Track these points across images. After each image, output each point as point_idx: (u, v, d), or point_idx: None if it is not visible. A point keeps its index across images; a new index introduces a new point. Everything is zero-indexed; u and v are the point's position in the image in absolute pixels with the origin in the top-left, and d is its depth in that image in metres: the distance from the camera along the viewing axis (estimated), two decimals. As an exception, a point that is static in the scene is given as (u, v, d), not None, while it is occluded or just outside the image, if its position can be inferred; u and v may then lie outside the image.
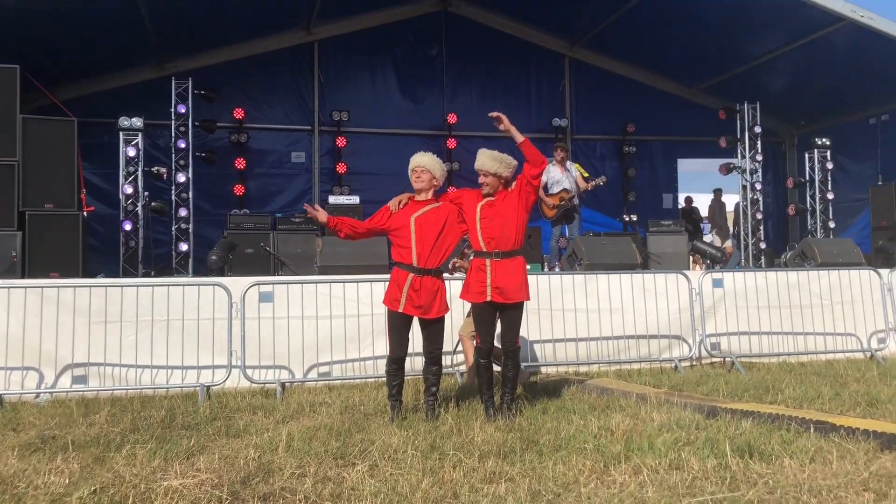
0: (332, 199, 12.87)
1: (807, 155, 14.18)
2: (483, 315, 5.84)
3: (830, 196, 13.70)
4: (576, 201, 11.62)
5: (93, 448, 4.98)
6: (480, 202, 5.83)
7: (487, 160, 5.82)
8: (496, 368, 6.07)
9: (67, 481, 4.21)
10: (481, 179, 5.82)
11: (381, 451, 4.63)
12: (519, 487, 3.91)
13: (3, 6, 9.42)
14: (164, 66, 13.56)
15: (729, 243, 15.54)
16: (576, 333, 8.82)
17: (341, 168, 14.42)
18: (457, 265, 7.77)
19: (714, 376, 8.08)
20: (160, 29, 12.29)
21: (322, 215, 5.99)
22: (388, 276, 6.11)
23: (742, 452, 4.38)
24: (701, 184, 17.23)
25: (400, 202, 5.95)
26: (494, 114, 5.87)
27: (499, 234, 5.73)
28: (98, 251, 11.95)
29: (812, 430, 4.88)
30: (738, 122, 13.73)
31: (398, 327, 5.81)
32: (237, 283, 7.86)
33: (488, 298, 5.72)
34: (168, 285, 7.94)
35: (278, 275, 10.23)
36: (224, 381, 7.55)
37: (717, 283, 9.34)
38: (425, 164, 5.95)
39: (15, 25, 10.14)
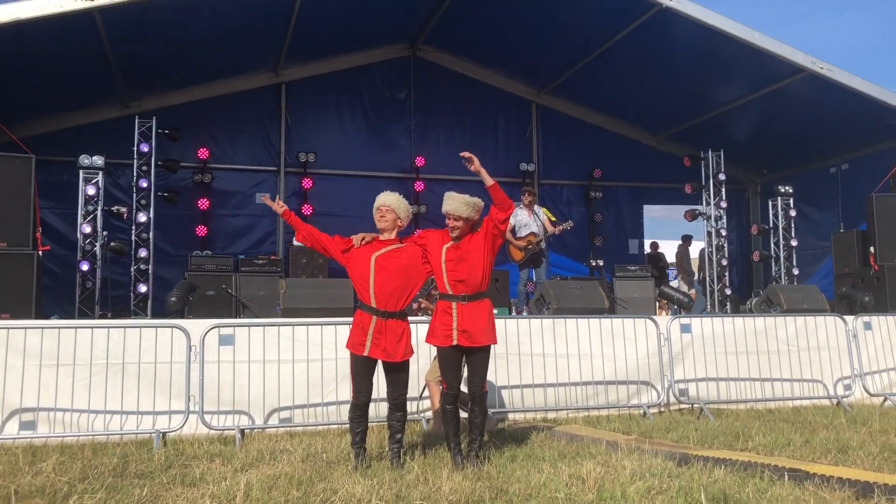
0: (296, 241, 12.62)
1: (770, 202, 14.37)
2: (449, 359, 5.69)
3: (794, 243, 13.87)
4: (543, 245, 11.59)
5: (38, 499, 4.70)
6: (446, 244, 5.72)
7: (460, 205, 5.70)
8: (463, 415, 5.90)
9: (7, 535, 3.95)
10: (451, 223, 5.71)
11: (344, 501, 4.42)
12: (489, 540, 3.73)
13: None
14: (129, 105, 13.39)
15: (693, 290, 15.62)
16: (544, 379, 8.68)
17: (307, 210, 14.26)
18: (422, 306, 7.62)
19: (683, 423, 7.99)
20: (125, 68, 12.15)
21: (279, 207, 5.95)
22: (352, 318, 5.95)
23: (717, 501, 4.26)
24: (667, 230, 17.39)
25: (363, 239, 5.82)
26: (466, 154, 5.79)
27: (465, 276, 5.62)
28: (53, 292, 11.60)
29: (786, 478, 4.78)
30: (702, 169, 13.89)
31: (362, 372, 5.63)
32: (197, 326, 7.61)
33: (454, 342, 5.59)
34: (125, 327, 7.67)
35: (240, 317, 10.00)
36: (181, 427, 7.26)
37: (685, 329, 9.30)
38: (390, 204, 5.84)
39: (-25, 61, 9.95)
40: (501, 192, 5.72)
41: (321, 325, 8.05)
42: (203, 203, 13.72)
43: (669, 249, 17.16)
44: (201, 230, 13.64)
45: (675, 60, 13.40)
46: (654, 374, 9.01)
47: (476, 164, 5.75)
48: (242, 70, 14.05)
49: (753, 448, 6.33)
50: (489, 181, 5.72)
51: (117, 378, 7.45)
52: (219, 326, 7.70)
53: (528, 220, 11.47)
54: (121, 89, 12.96)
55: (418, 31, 14.65)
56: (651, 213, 17.06)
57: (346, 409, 6.59)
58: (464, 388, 5.89)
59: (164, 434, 7.18)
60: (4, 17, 9.13)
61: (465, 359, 5.72)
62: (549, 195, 15.97)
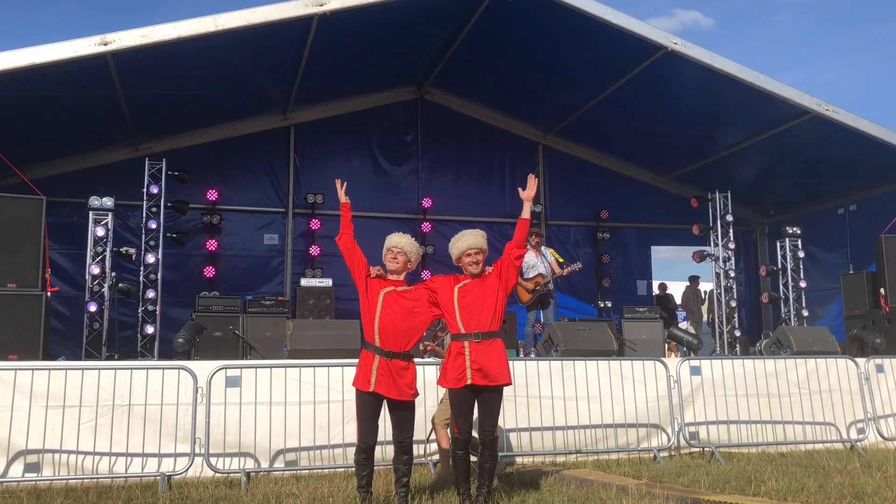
0: (304, 282, 12.70)
1: (778, 243, 14.33)
2: (461, 402, 5.64)
3: (803, 284, 13.78)
4: (551, 286, 11.57)
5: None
6: (458, 285, 5.72)
7: (479, 238, 5.86)
8: (472, 459, 5.83)
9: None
10: (473, 258, 5.75)
11: (350, 548, 4.35)
12: (498, 588, 3.65)
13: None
14: (138, 147, 13.53)
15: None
16: (552, 421, 8.59)
17: (314, 251, 14.30)
18: (429, 348, 7.56)
19: (694, 466, 7.87)
20: (136, 111, 12.30)
21: (343, 197, 6.06)
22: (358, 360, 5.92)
23: (731, 549, 4.18)
24: (675, 271, 17.37)
25: (377, 271, 5.83)
26: (532, 178, 5.97)
27: (478, 314, 5.61)
28: (61, 333, 11.63)
29: (801, 524, 4.69)
30: (710, 210, 13.90)
31: (368, 412, 5.58)
32: (203, 367, 7.58)
33: (469, 382, 5.53)
34: (131, 368, 7.65)
35: (247, 359, 9.96)
36: (186, 469, 7.19)
37: (695, 371, 9.22)
38: (402, 246, 5.85)
39: (-12, 104, 10.09)
40: (526, 230, 5.85)
41: (328, 366, 8.00)
42: (211, 244, 13.78)
43: (678, 291, 17.11)
44: (209, 271, 13.68)
45: (681, 102, 13.50)
46: (664, 416, 8.91)
47: (531, 193, 5.89)
48: (252, 113, 14.21)
49: (766, 493, 6.22)
50: (527, 214, 5.88)
51: (123, 420, 7.41)
52: (226, 368, 7.67)
53: (536, 262, 11.46)
54: (131, 132, 13.11)
55: (426, 75, 14.83)
56: (659, 254, 17.06)
57: (352, 451, 6.51)
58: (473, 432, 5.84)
59: (169, 477, 7.10)
60: (22, 61, 9.27)
61: (476, 402, 5.67)
62: (556, 236, 16.01)
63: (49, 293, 9.33)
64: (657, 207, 16.44)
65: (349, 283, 13.56)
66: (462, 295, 5.66)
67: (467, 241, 5.79)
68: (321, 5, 10.29)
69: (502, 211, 15.74)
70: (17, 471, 7.09)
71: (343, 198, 6.01)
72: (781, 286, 14.10)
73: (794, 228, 14.13)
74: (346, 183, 6.06)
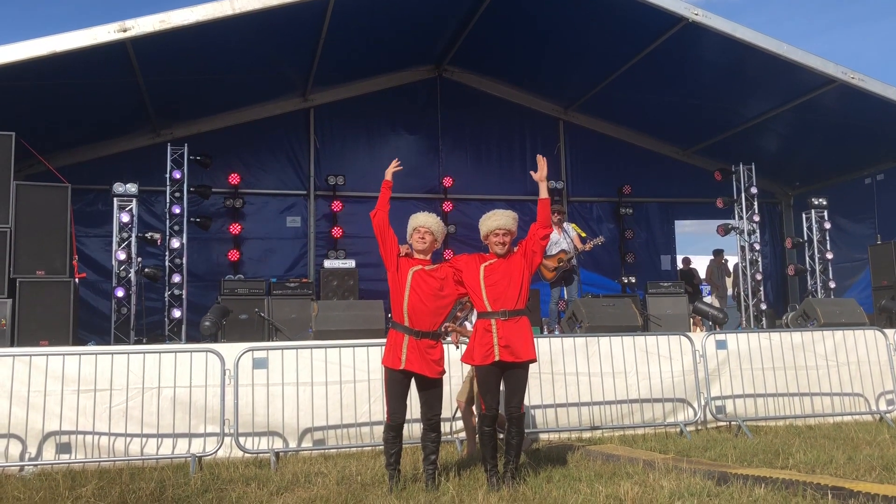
0: (327, 264, 12.76)
1: (804, 215, 14.15)
2: (488, 379, 5.66)
3: (830, 256, 13.61)
4: (574, 262, 11.53)
5: (76, 524, 4.73)
6: (483, 264, 5.73)
7: (509, 219, 5.82)
8: (499, 436, 5.86)
9: (47, 561, 3.98)
10: (500, 239, 5.74)
11: (379, 524, 4.40)
12: (526, 562, 3.68)
13: (1, 76, 9.44)
14: (160, 133, 13.61)
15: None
16: (578, 398, 8.61)
17: (337, 232, 14.35)
18: (449, 329, 7.49)
19: (721, 441, 7.86)
20: (157, 97, 12.36)
21: (390, 173, 6.09)
22: (384, 339, 5.96)
23: (759, 521, 4.17)
24: (699, 245, 17.24)
25: (406, 250, 5.85)
26: (541, 159, 5.89)
27: (503, 293, 5.63)
28: (89, 319, 11.77)
29: (830, 496, 4.67)
30: (734, 183, 13.75)
31: (397, 390, 5.62)
32: (230, 349, 7.67)
33: (497, 358, 5.55)
34: (160, 352, 7.75)
35: (273, 341, 10.04)
36: (216, 450, 7.30)
37: (721, 345, 9.18)
38: (430, 226, 5.85)
39: (11, 93, 10.17)
40: (548, 209, 5.84)
41: (353, 346, 8.06)
42: (235, 228, 13.87)
43: (702, 265, 16.98)
44: (233, 254, 13.78)
45: (703, 74, 13.32)
46: (690, 391, 8.89)
47: (542, 173, 5.81)
48: (271, 96, 14.23)
49: (794, 466, 6.20)
50: (545, 193, 5.84)
51: (153, 403, 7.53)
52: (252, 350, 7.75)
53: (558, 238, 11.42)
54: (153, 118, 13.18)
55: (444, 53, 14.75)
56: (682, 228, 16.93)
57: (379, 430, 6.59)
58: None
59: (199, 458, 7.21)
60: (42, 50, 9.33)
61: (503, 379, 5.69)
62: (578, 212, 15.92)
63: (77, 279, 9.45)
64: (680, 181, 16.29)
65: (372, 263, 13.76)
66: (488, 274, 5.67)
67: (496, 221, 5.78)
68: (338, -15, 10.27)
69: (524, 189, 15.64)
70: (50, 453, 7.24)
71: (388, 175, 6.02)
72: (808, 258, 13.95)
73: (821, 199, 13.94)
74: (400, 165, 6.04)
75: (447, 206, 15.01)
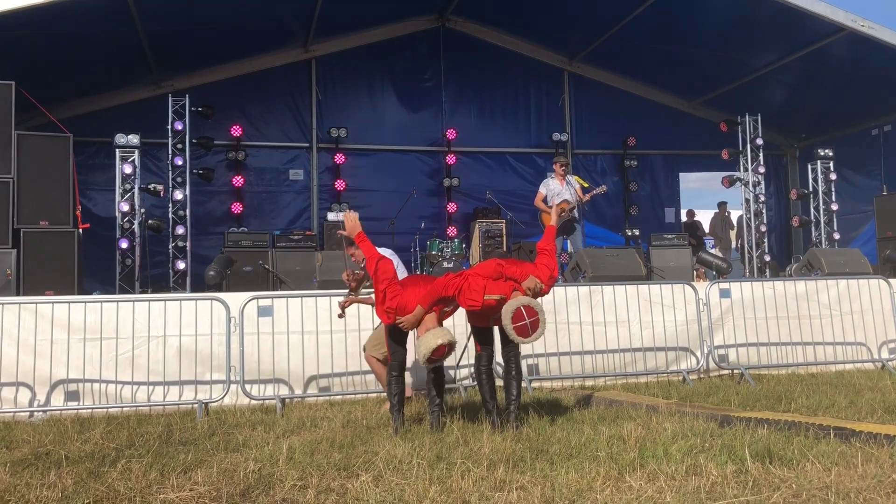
0: (330, 216, 12.77)
1: (809, 166, 14.06)
2: (483, 328, 5.71)
3: (835, 207, 13.55)
4: (576, 213, 11.49)
5: (87, 463, 4.79)
6: (492, 295, 5.46)
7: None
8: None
9: (60, 496, 4.04)
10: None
11: (385, 462, 4.45)
12: (531, 495, 3.73)
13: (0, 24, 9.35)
14: (161, 85, 13.50)
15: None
16: (581, 347, 8.64)
17: (340, 185, 14.31)
18: (347, 305, 7.15)
19: (724, 387, 7.90)
20: (157, 48, 12.23)
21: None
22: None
23: (762, 458, 4.21)
24: (704, 199, 17.16)
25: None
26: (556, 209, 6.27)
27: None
28: (94, 271, 11.80)
29: (832, 435, 4.71)
30: (739, 134, 13.63)
31: (397, 335, 5.71)
32: (235, 298, 7.69)
33: (490, 325, 5.67)
34: (165, 300, 7.78)
35: (277, 290, 10.07)
36: (222, 397, 7.36)
37: (725, 294, 9.18)
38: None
39: (11, 43, 10.05)
40: (553, 234, 5.98)
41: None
42: (237, 180, 13.83)
43: (707, 218, 16.94)
44: (236, 207, 13.76)
45: (709, 24, 13.11)
46: (694, 340, 8.92)
47: (555, 218, 6.20)
48: (272, 47, 14.06)
49: (796, 410, 6.24)
50: (551, 242, 6.00)
51: (159, 351, 7.57)
52: (257, 298, 7.77)
53: (561, 189, 11.36)
54: (153, 69, 13.06)
55: (447, 2, 14.53)
56: (687, 180, 16.83)
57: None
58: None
59: (206, 404, 7.28)
60: (41, -1, 9.22)
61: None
62: (583, 165, 15.83)
63: (81, 230, 9.46)
64: (685, 133, 16.16)
65: (375, 217, 13.70)
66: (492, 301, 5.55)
67: (523, 339, 5.32)
68: (338, -69, 10.08)
69: (528, 141, 15.58)
70: (58, 400, 7.31)
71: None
72: (813, 210, 13.90)
73: (827, 151, 13.84)
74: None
75: (450, 159, 14.92)
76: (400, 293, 5.63)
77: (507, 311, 5.26)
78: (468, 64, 15.27)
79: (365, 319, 7.99)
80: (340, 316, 7.09)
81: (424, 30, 15.16)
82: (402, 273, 6.99)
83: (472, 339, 5.85)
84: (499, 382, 5.94)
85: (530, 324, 5.23)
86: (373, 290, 6.02)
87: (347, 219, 5.94)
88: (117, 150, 10.90)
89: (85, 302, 7.58)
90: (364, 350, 7.20)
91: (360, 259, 6.94)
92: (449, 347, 5.36)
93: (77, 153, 9.66)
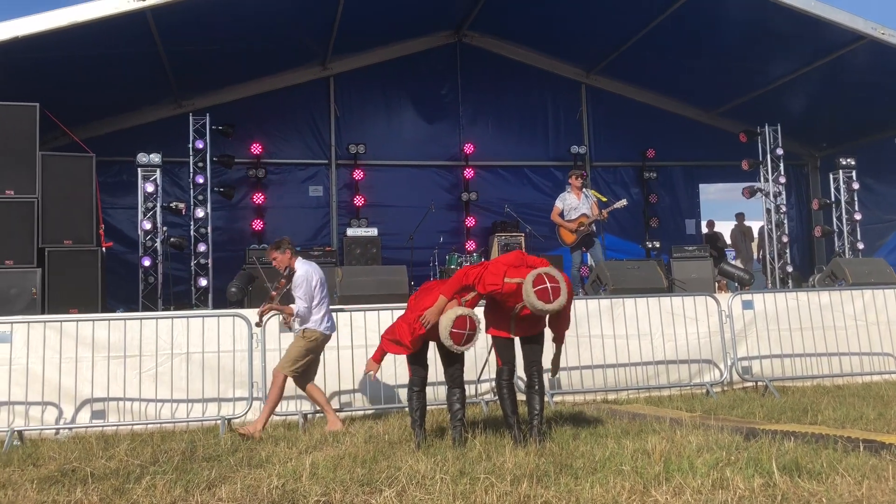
0: (350, 232, 12.79)
1: (831, 176, 13.94)
2: (505, 343, 5.72)
3: (858, 217, 13.41)
4: (593, 227, 11.45)
5: (112, 480, 4.83)
6: (517, 306, 5.49)
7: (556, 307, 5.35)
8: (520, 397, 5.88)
9: (85, 513, 4.07)
10: (526, 312, 5.48)
11: (408, 478, 4.44)
12: (556, 510, 3.71)
13: (23, 48, 9.49)
14: (182, 104, 13.63)
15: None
16: (603, 360, 8.61)
17: (359, 201, 14.35)
18: (265, 312, 7.10)
19: (748, 400, 7.84)
20: (178, 68, 12.35)
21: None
22: (406, 304, 5.99)
23: (790, 471, 4.16)
24: (724, 209, 17.05)
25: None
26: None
27: (528, 329, 5.69)
28: (117, 289, 11.88)
29: (861, 448, 4.64)
30: (759, 144, 13.55)
31: (417, 349, 5.69)
32: (257, 314, 7.72)
33: (512, 335, 5.71)
34: (188, 317, 7.84)
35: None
36: (245, 413, 7.41)
37: (748, 305, 9.12)
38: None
39: (35, 65, 10.22)
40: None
41: (378, 310, 8.09)
42: (258, 197, 13.92)
43: (727, 230, 16.82)
44: (257, 224, 13.84)
45: (727, 34, 13.06)
46: (717, 352, 8.86)
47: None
48: (291, 64, 14.17)
49: (823, 422, 6.17)
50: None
51: (182, 367, 7.63)
52: (279, 314, 7.79)
53: (578, 203, 11.33)
54: (174, 88, 13.20)
55: (463, 18, 14.58)
56: (707, 191, 16.73)
57: (404, 391, 6.62)
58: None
59: (229, 420, 7.32)
60: (63, 21, 9.35)
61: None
62: (602, 177, 15.79)
63: (104, 248, 9.55)
64: (705, 144, 16.03)
65: (393, 232, 13.73)
66: (519, 321, 5.60)
67: (544, 307, 5.28)
68: (356, -51, 10.17)
69: (545, 154, 15.56)
70: (84, 417, 7.38)
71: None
72: (835, 220, 13.76)
73: (849, 160, 13.72)
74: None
75: (468, 173, 14.94)
76: (419, 306, 5.66)
77: (529, 279, 5.23)
78: (485, 78, 15.29)
79: (386, 334, 8.00)
80: (258, 325, 7.12)
81: (441, 46, 15.22)
82: (320, 292, 6.90)
83: (493, 352, 5.84)
84: (520, 397, 5.93)
85: (551, 289, 5.19)
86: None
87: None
88: (139, 170, 11.02)
89: (109, 320, 7.66)
90: (275, 371, 7.00)
91: (283, 266, 6.95)
92: (470, 323, 5.35)
93: (100, 172, 9.78)
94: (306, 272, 6.89)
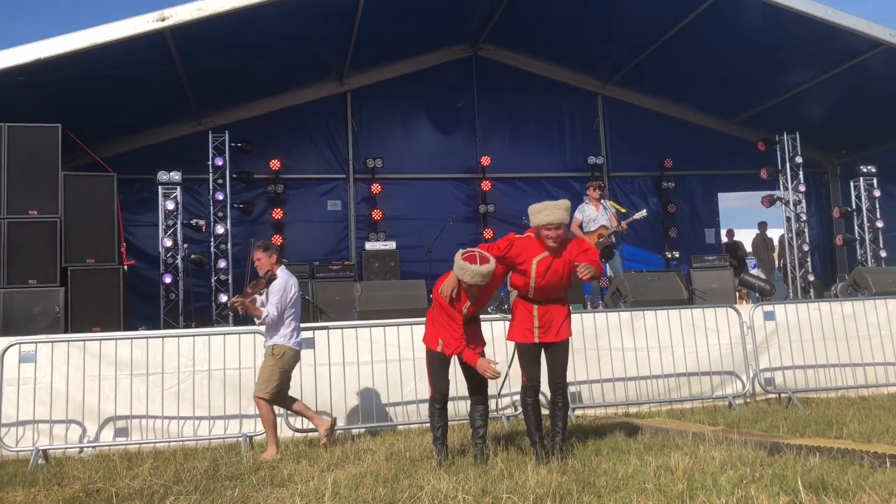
0: (368, 246, 12.84)
1: (852, 183, 13.84)
2: (529, 353, 5.69)
3: (880, 224, 13.29)
4: (613, 239, 11.43)
5: (137, 500, 4.86)
6: (536, 258, 5.61)
7: (561, 213, 5.56)
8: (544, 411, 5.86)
9: (110, 535, 4.09)
10: (553, 234, 5.54)
11: (430, 497, 4.43)
12: (579, 531, 3.68)
13: (45, 69, 9.63)
14: (201, 122, 13.76)
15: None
16: (624, 373, 8.57)
17: (377, 214, 14.41)
18: (236, 302, 6.97)
19: (771, 412, 7.76)
20: (197, 86, 12.48)
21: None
22: (425, 318, 5.98)
23: (815, 488, 4.11)
24: (743, 218, 16.92)
25: (453, 291, 5.58)
26: None
27: (550, 289, 5.67)
28: (139, 305, 12.00)
29: (888, 464, 4.59)
30: (778, 153, 13.47)
31: (439, 365, 5.67)
32: (228, 304, 7.76)
33: (536, 340, 5.64)
34: (209, 335, 7.89)
35: (318, 322, 10.13)
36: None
37: (769, 316, 9.05)
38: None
39: (57, 86, 10.36)
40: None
41: (397, 325, 8.11)
42: (277, 213, 14.00)
43: (747, 238, 16.69)
44: (276, 239, 13.91)
45: (744, 43, 13.02)
46: (739, 363, 8.79)
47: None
48: (308, 81, 14.28)
49: (849, 436, 6.09)
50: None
51: (204, 385, 7.67)
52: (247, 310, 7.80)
53: (597, 215, 11.32)
54: (193, 106, 13.33)
55: (479, 31, 14.65)
56: (726, 200, 16.63)
57: (425, 407, 6.63)
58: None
59: (251, 437, 7.34)
60: (83, 43, 9.49)
61: (543, 352, 5.72)
62: (619, 187, 15.76)
63: (126, 266, 9.65)
64: (723, 153, 15.98)
65: (412, 245, 13.78)
66: (540, 271, 5.59)
67: (549, 217, 5.54)
68: (371, -34, 10.25)
69: (563, 165, 15.56)
70: (107, 436, 7.44)
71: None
72: (856, 227, 13.65)
73: (869, 167, 13.62)
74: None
75: (486, 185, 14.96)
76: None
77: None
78: (501, 90, 15.33)
79: (405, 350, 8.02)
80: (230, 305, 7.06)
81: (457, 59, 15.29)
82: (293, 305, 6.83)
83: (513, 365, 5.84)
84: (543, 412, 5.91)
85: (479, 256, 5.48)
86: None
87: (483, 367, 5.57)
88: (160, 187, 11.14)
89: (131, 338, 7.72)
90: (256, 395, 6.84)
91: (265, 269, 6.87)
92: (480, 257, 5.44)
93: (121, 190, 9.89)
94: (286, 281, 6.82)
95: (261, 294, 6.96)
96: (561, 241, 5.62)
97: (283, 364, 6.73)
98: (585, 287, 11.92)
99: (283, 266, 6.99)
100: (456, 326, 5.53)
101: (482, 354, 5.67)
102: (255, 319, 6.90)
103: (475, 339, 5.71)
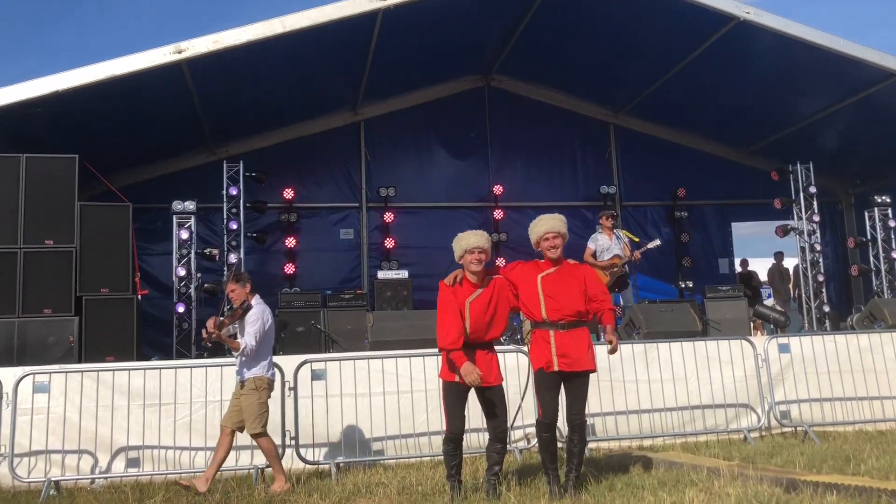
0: (381, 275, 12.85)
1: (866, 213, 13.77)
2: (547, 385, 5.61)
3: (895, 255, 13.20)
4: (626, 268, 11.39)
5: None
6: (541, 274, 5.66)
7: (557, 222, 5.75)
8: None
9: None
10: (552, 243, 5.68)
11: (442, 534, 4.39)
12: (593, 572, 3.64)
13: (63, 101, 9.77)
14: (216, 152, 13.89)
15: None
16: (638, 405, 8.51)
17: (389, 243, 14.45)
18: (213, 335, 6.74)
19: (787, 447, 7.67)
20: (212, 116, 12.63)
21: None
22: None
23: (833, 529, 4.05)
24: (757, 248, 16.85)
25: (456, 278, 5.74)
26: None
27: (563, 304, 5.60)
28: (152, 334, 12.04)
29: (907, 503, 4.52)
30: (791, 183, 13.44)
31: (455, 401, 5.59)
32: (289, 362, 7.78)
33: (555, 369, 5.54)
34: (221, 365, 7.89)
35: (329, 352, 10.13)
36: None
37: (784, 349, 8.97)
38: (484, 246, 5.68)
39: (74, 117, 10.50)
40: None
41: (409, 356, 8.09)
42: (290, 241, 14.06)
43: (761, 267, 16.61)
44: (289, 268, 13.97)
45: (757, 73, 13.05)
46: (753, 396, 8.71)
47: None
48: (322, 111, 14.41)
49: (867, 472, 6.01)
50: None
51: (216, 416, 7.65)
52: (310, 361, 7.83)
53: (610, 244, 11.28)
54: (208, 136, 13.46)
55: (491, 62, 14.76)
56: (740, 230, 16.57)
57: (437, 439, 6.59)
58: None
59: (262, 469, 7.31)
60: (101, 75, 9.63)
61: (563, 386, 5.65)
62: (633, 217, 15.72)
63: (140, 296, 9.69)
64: (736, 182, 15.94)
65: (425, 273, 13.77)
66: (546, 285, 5.62)
67: (545, 226, 5.72)
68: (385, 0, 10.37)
69: (575, 194, 15.57)
70: (119, 466, 7.43)
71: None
72: (872, 258, 13.55)
73: (884, 197, 13.56)
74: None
75: (498, 214, 14.98)
76: None
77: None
78: (513, 120, 15.41)
79: (417, 381, 8.00)
80: (203, 343, 6.94)
81: (469, 89, 15.40)
82: (268, 335, 6.75)
83: (525, 396, 5.79)
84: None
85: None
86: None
87: None
88: (174, 217, 11.23)
89: (145, 368, 7.74)
90: (223, 424, 6.81)
91: (239, 300, 6.76)
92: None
93: (135, 219, 9.97)
94: (262, 312, 6.72)
95: (236, 326, 6.83)
96: (561, 251, 5.76)
97: (264, 396, 6.64)
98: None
99: (257, 296, 6.87)
100: (456, 322, 5.46)
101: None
102: (233, 352, 6.74)
103: (490, 370, 5.64)
